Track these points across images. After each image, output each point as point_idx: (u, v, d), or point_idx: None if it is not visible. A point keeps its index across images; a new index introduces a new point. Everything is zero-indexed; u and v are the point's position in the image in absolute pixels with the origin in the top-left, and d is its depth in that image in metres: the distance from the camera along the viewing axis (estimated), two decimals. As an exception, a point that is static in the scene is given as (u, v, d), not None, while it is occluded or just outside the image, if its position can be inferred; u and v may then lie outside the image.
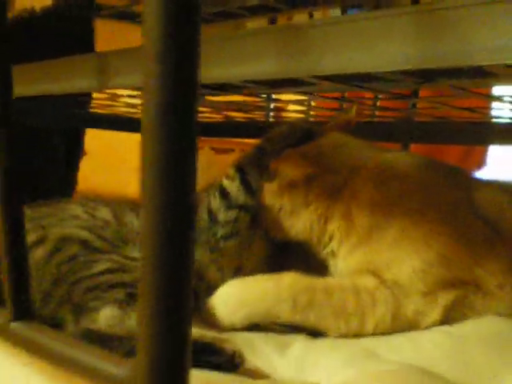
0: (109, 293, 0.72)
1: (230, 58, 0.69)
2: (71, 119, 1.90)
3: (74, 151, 1.99)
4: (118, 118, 2.01)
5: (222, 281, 0.90)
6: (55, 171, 1.93)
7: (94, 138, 2.06)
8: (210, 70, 0.69)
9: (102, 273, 0.75)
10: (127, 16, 1.94)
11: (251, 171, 0.92)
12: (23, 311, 0.46)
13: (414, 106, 1.42)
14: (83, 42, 1.74)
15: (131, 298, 0.73)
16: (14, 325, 0.45)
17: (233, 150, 3.26)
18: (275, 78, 0.67)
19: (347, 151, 0.98)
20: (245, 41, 0.68)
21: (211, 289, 0.87)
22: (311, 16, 1.93)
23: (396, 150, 1.07)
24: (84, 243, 0.79)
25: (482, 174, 2.71)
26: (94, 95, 1.73)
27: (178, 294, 0.31)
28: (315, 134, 0.99)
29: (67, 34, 1.64)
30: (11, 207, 0.45)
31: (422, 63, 0.53)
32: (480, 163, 2.70)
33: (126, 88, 0.91)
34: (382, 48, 0.55)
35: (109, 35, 1.98)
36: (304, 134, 0.98)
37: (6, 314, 0.47)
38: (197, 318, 0.84)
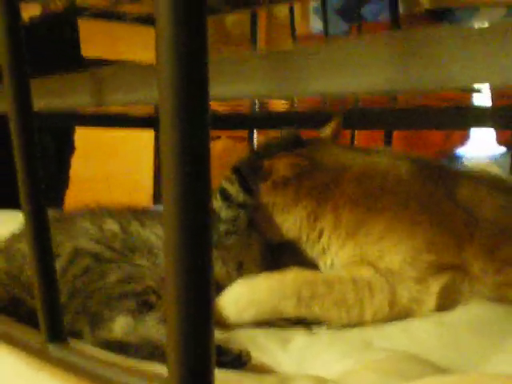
0: (121, 302, 0.78)
1: (225, 79, 0.74)
2: (61, 119, 1.93)
3: (65, 149, 2.04)
4: (108, 115, 2.04)
5: (227, 276, 0.97)
6: (45, 170, 1.95)
7: (83, 134, 2.10)
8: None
9: (113, 283, 0.80)
10: (111, 15, 1.96)
11: (248, 173, 0.99)
12: (58, 333, 0.50)
13: (394, 98, 1.47)
14: (70, 46, 1.78)
15: (142, 306, 0.78)
16: (51, 347, 0.49)
17: (219, 137, 3.31)
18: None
19: (335, 155, 1.04)
20: (239, 64, 0.73)
21: (219, 286, 0.94)
22: (291, 8, 1.97)
23: (381, 149, 1.13)
24: (95, 255, 0.84)
25: (464, 150, 2.77)
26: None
27: (202, 314, 0.35)
28: (306, 142, 1.05)
29: (55, 41, 1.67)
30: (41, 234, 0.49)
31: (400, 86, 0.58)
32: (462, 141, 2.77)
33: (121, 105, 0.95)
34: (362, 72, 0.60)
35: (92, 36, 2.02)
36: (296, 142, 1.04)
37: (41, 337, 0.50)
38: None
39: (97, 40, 2.12)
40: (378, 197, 0.96)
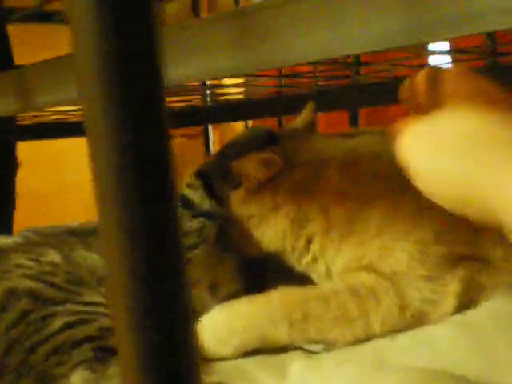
0: (74, 353, 0.62)
1: (174, 57, 0.58)
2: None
3: (8, 165, 1.93)
4: (49, 125, 1.95)
5: (197, 299, 0.84)
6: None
7: (27, 147, 2.00)
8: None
9: (60, 330, 0.64)
10: (41, 17, 1.84)
11: (215, 177, 0.85)
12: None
13: (357, 73, 1.37)
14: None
15: (101, 353, 0.63)
16: None
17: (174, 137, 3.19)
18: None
19: (313, 146, 0.91)
20: (191, 34, 0.57)
21: None
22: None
23: (362, 130, 1.01)
24: (32, 295, 0.69)
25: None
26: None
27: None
28: (279, 137, 0.93)
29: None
30: None
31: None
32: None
33: (53, 106, 0.80)
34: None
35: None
36: (268, 138, 0.92)
37: None
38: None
39: (32, 45, 2.02)
40: (371, 185, 0.83)
